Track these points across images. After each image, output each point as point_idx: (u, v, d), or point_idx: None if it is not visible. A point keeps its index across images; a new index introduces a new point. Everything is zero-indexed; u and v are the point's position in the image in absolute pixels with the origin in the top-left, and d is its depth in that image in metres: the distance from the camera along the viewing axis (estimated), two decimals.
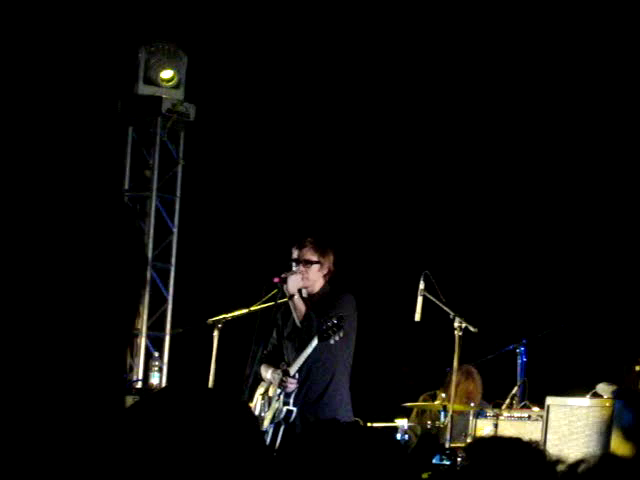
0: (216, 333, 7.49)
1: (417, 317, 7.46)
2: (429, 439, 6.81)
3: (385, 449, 2.15)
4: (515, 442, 2.93)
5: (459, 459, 6.85)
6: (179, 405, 1.71)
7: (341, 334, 6.63)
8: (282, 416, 6.83)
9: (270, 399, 6.99)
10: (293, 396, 6.86)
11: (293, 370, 6.87)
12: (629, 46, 9.04)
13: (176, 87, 9.53)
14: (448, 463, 6.73)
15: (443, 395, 7.99)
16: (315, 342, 6.72)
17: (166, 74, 9.42)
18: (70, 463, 1.28)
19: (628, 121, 9.25)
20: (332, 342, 6.67)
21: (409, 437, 7.75)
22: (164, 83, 9.44)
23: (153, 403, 1.71)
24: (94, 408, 1.31)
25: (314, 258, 7.01)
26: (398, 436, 7.66)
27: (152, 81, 9.46)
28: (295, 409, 6.80)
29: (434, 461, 6.88)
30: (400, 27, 9.78)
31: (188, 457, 1.64)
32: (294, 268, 7.03)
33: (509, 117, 9.69)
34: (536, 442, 2.92)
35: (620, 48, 9.08)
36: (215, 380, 7.45)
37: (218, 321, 7.50)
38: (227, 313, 7.54)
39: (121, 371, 1.38)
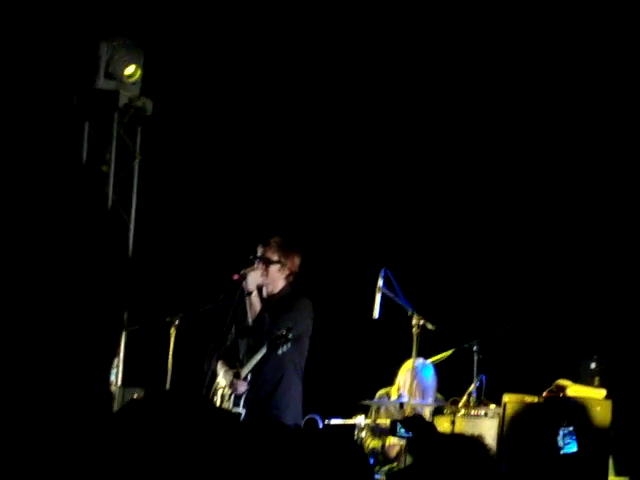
0: (173, 330, 7.48)
1: (375, 314, 7.48)
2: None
3: (321, 451, 2.18)
4: (459, 438, 2.99)
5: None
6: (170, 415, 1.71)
7: (289, 345, 6.69)
8: None
9: (222, 397, 7.03)
10: (243, 398, 6.91)
11: (244, 373, 6.93)
12: (629, 46, 9.11)
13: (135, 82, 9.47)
14: (409, 435, 6.76)
15: (401, 392, 8.01)
16: (264, 350, 6.79)
17: (129, 70, 9.36)
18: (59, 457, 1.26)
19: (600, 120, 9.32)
20: (280, 352, 6.73)
21: (365, 434, 7.76)
22: (127, 79, 9.38)
23: (141, 412, 1.71)
24: (84, 410, 1.28)
25: (275, 258, 7.04)
26: (355, 433, 7.68)
27: (113, 76, 9.38)
28: (244, 411, 6.85)
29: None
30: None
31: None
32: (255, 265, 7.04)
33: (461, 118, 9.73)
34: (479, 437, 2.98)
35: (620, 48, 9.14)
36: (172, 377, 7.43)
37: (175, 318, 7.48)
38: (185, 310, 7.52)
39: (109, 370, 1.35)
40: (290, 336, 6.68)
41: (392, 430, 6.88)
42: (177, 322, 7.51)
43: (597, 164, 9.24)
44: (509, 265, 9.46)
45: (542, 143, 9.49)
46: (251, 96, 9.89)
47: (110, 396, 1.33)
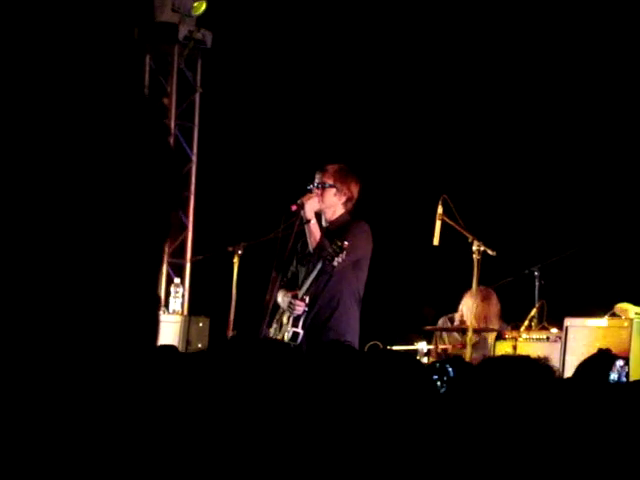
0: (236, 260, 7.56)
1: (435, 241, 7.48)
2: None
3: (387, 369, 2.20)
4: (524, 360, 2.96)
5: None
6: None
7: (343, 256, 6.62)
8: (289, 337, 6.91)
9: (281, 322, 7.08)
10: (302, 320, 6.93)
11: (301, 293, 6.92)
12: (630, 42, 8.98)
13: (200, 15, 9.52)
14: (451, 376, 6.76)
15: (464, 318, 8.04)
16: (320, 265, 6.76)
17: (200, 6, 9.41)
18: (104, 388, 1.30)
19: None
20: (335, 264, 6.67)
21: (428, 360, 7.81)
22: (195, 12, 9.43)
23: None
24: (128, 336, 1.32)
25: (330, 181, 7.01)
26: (417, 358, 7.73)
27: (178, 9, 9.42)
28: (302, 332, 6.88)
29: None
30: None
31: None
32: (313, 192, 7.04)
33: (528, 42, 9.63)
34: (545, 359, 2.94)
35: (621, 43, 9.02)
36: (236, 306, 7.53)
37: (238, 248, 7.56)
38: (247, 240, 7.60)
39: (155, 294, 1.39)
40: (343, 246, 6.61)
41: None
42: (240, 252, 7.58)
43: None
44: (570, 189, 9.39)
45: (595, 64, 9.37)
46: (310, 25, 9.86)
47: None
